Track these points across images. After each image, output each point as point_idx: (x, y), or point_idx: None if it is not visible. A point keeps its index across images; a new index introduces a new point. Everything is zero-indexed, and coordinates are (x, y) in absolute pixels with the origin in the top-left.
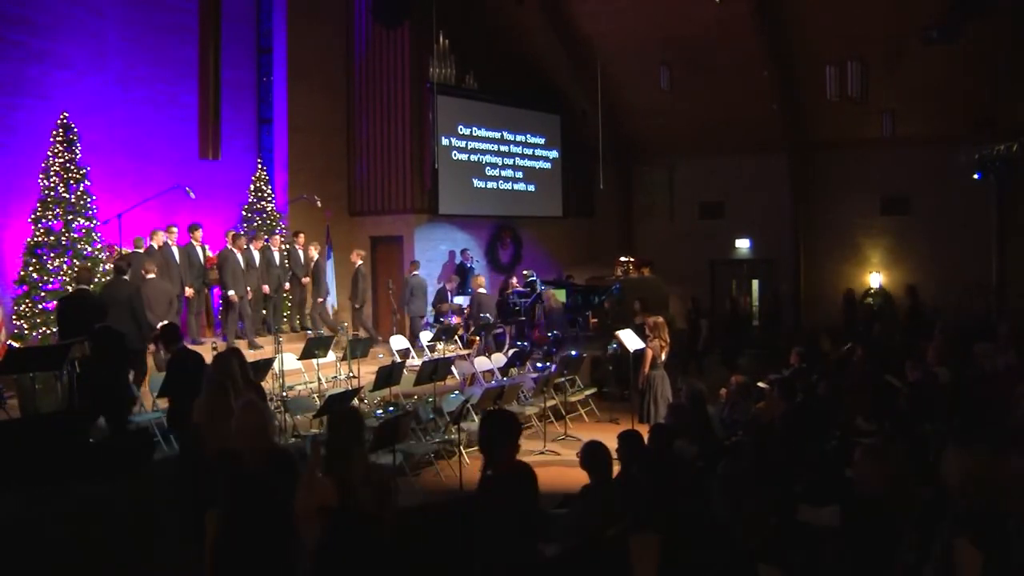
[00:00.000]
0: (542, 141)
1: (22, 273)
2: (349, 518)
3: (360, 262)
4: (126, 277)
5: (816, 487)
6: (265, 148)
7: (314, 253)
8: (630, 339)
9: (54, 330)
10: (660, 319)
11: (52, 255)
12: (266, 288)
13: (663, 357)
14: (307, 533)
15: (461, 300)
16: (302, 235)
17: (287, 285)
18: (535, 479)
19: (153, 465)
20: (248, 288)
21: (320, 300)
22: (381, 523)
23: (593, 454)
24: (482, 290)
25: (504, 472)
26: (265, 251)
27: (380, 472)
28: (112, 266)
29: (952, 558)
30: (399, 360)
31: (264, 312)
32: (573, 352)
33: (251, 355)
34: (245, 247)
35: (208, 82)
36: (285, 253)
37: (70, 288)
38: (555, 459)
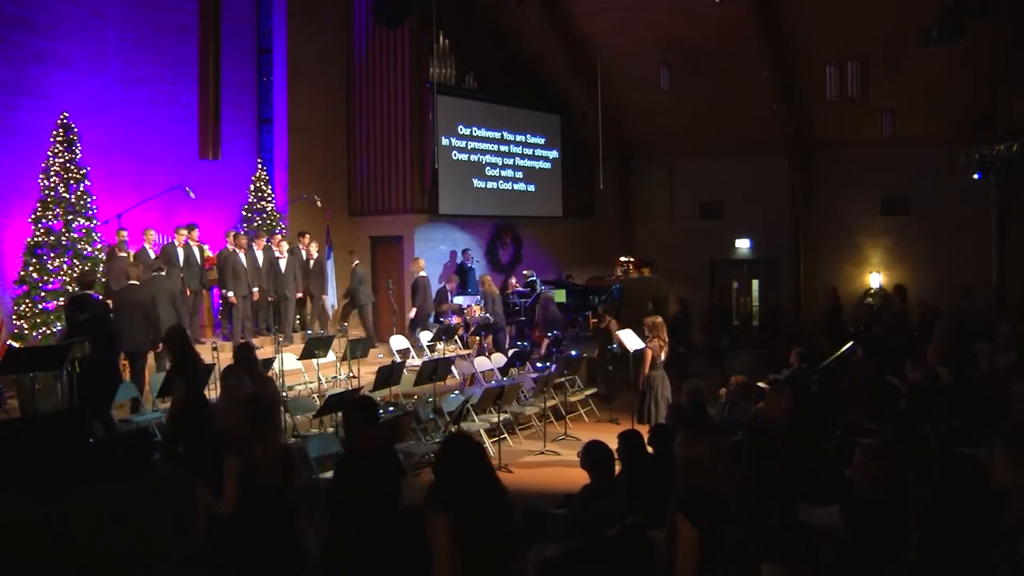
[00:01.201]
0: (542, 141)
1: (22, 273)
2: (254, 493)
3: (318, 252)
4: (163, 273)
5: (816, 487)
6: (265, 148)
7: (277, 251)
8: (630, 339)
9: (54, 330)
10: (658, 319)
11: (52, 255)
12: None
13: (662, 357)
14: None
15: (461, 300)
16: (307, 235)
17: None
18: (398, 462)
19: (153, 465)
20: (250, 288)
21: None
22: (282, 497)
23: (594, 454)
24: (422, 273)
25: (362, 451)
26: (267, 251)
27: (288, 452)
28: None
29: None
30: (399, 360)
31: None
32: (573, 352)
33: None
34: (247, 247)
35: (208, 82)
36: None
37: (71, 288)
38: (555, 459)
